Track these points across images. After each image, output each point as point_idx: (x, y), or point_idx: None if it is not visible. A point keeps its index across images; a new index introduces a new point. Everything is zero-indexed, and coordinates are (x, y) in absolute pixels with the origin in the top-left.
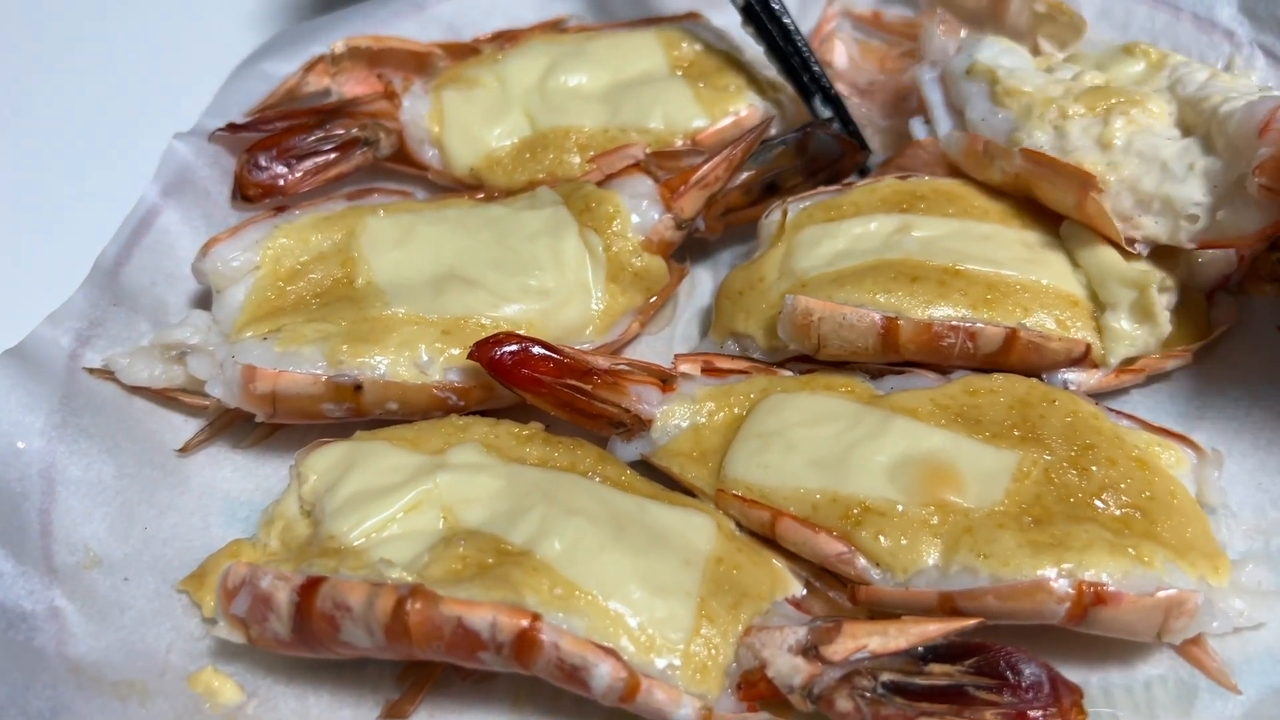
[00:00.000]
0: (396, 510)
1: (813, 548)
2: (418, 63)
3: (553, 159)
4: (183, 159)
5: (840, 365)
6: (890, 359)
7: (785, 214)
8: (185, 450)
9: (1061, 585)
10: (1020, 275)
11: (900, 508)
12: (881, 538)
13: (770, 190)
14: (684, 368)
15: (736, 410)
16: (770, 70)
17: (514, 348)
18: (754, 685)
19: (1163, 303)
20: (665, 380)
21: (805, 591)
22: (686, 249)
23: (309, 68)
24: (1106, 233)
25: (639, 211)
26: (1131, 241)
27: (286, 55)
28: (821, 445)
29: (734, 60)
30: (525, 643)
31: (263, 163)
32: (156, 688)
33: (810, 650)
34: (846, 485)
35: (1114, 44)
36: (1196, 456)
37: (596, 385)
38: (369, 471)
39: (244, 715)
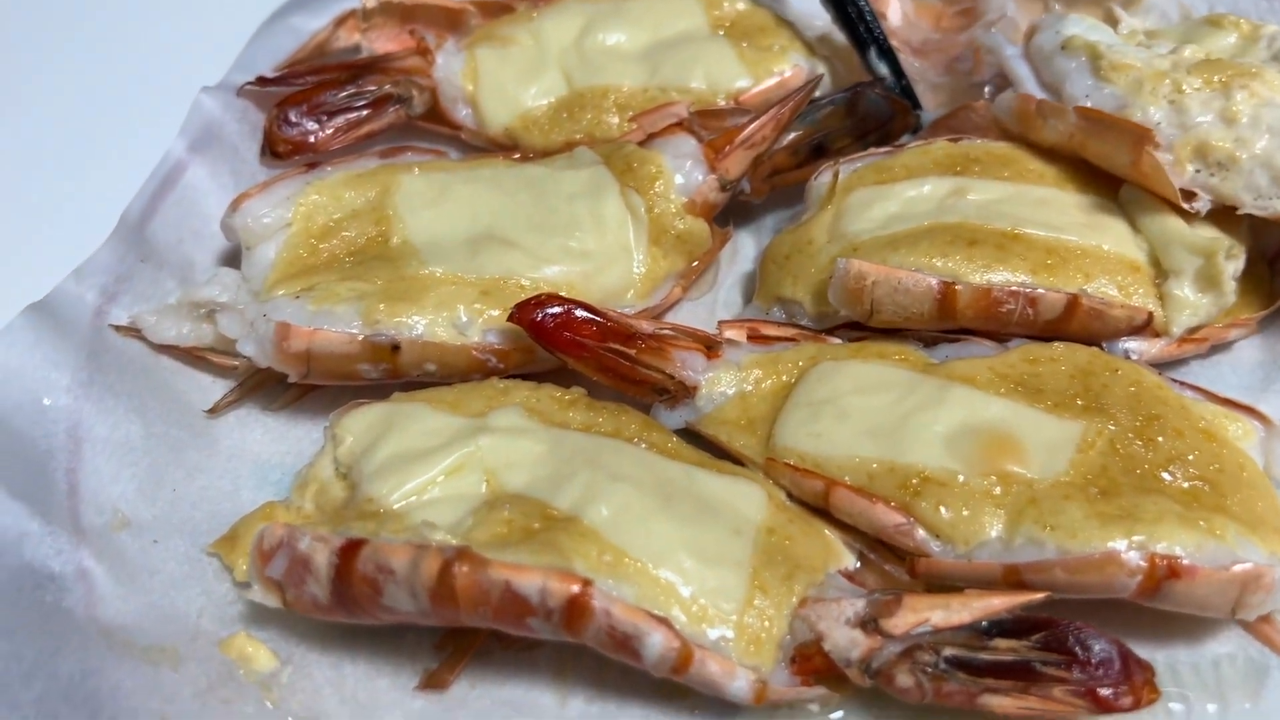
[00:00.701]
0: (438, 473)
1: (870, 518)
2: (451, 19)
3: (590, 119)
4: (210, 113)
5: (890, 333)
6: (945, 326)
7: (837, 175)
8: (214, 411)
9: (1133, 558)
10: (1080, 240)
11: (961, 478)
12: (942, 509)
13: (818, 152)
14: (729, 334)
15: (785, 378)
16: (814, 32)
17: (557, 310)
18: (809, 659)
19: (1230, 270)
20: (710, 346)
21: (858, 564)
22: (729, 212)
23: (339, 22)
24: (1163, 192)
25: (682, 172)
26: (1191, 198)
27: (316, 10)
28: (876, 414)
29: (777, 20)
30: (576, 609)
31: (293, 118)
32: (188, 653)
33: (869, 623)
34: (904, 455)
35: (1192, 17)
36: (1265, 429)
37: (640, 350)
38: (408, 433)
39: (278, 683)
